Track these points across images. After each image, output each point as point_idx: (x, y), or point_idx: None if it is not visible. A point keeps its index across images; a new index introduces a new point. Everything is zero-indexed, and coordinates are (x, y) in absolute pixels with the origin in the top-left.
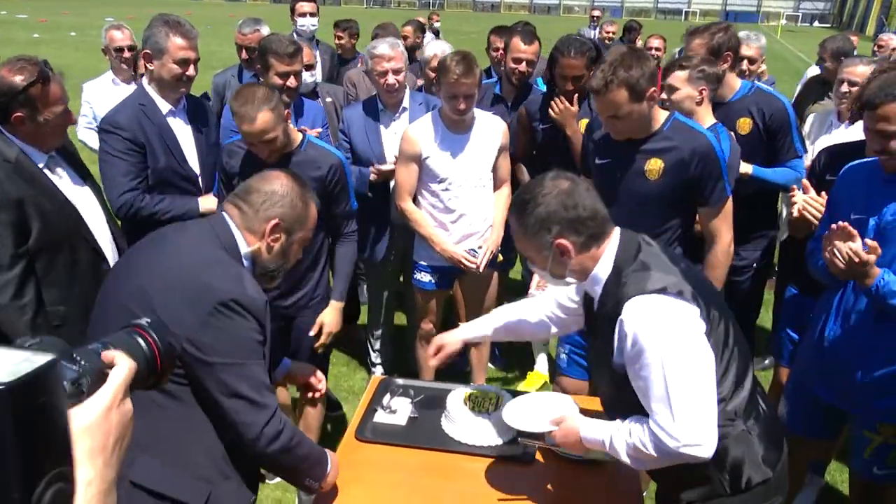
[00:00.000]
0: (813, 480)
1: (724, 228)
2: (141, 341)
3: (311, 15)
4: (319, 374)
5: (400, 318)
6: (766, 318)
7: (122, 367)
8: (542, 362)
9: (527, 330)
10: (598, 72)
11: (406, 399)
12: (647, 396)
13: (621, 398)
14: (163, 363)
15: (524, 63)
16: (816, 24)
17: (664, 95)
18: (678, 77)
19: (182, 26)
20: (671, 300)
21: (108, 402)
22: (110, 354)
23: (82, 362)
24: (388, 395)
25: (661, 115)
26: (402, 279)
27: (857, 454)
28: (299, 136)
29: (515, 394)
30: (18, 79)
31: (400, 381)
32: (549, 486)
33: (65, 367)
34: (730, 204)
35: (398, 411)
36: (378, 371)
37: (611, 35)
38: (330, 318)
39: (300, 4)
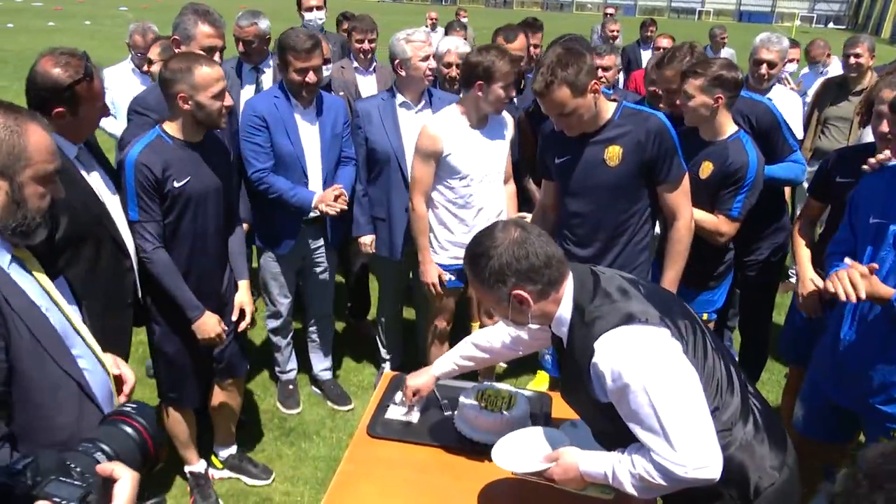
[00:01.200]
0: (825, 487)
1: (683, 204)
2: (129, 430)
3: (318, 8)
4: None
5: (409, 314)
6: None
7: (125, 481)
8: (546, 361)
9: (496, 356)
10: (538, 75)
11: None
12: (640, 430)
13: (619, 431)
14: (155, 446)
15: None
16: (831, 25)
17: (678, 101)
18: (693, 84)
19: (210, 15)
20: (640, 328)
21: None
22: (108, 468)
23: (84, 475)
24: (399, 392)
25: (609, 106)
26: (411, 275)
27: None
28: None
29: (527, 393)
30: (64, 75)
31: None
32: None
33: (66, 485)
34: (687, 179)
35: (410, 408)
36: (387, 367)
37: (615, 33)
38: (248, 297)
39: None
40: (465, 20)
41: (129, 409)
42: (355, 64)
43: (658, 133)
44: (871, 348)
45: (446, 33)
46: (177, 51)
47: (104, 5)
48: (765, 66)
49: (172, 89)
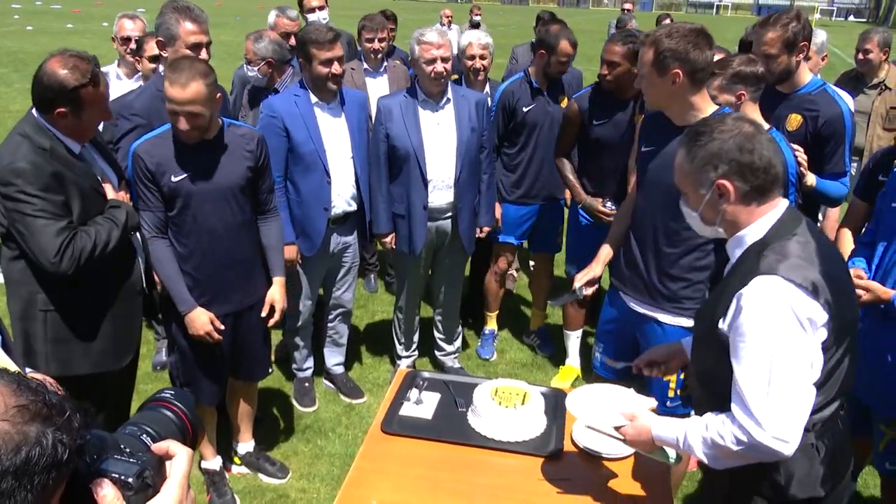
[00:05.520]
0: (849, 486)
1: None
2: (170, 414)
3: (321, 8)
4: None
5: (426, 311)
6: None
7: (181, 457)
8: (574, 356)
9: None
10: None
11: (432, 392)
12: (743, 378)
13: (718, 375)
14: (194, 430)
15: (567, 64)
16: (852, 18)
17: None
18: (714, 85)
19: (191, 11)
20: (798, 293)
21: (178, 497)
22: (163, 446)
23: (136, 453)
24: (414, 389)
25: (707, 108)
26: (429, 272)
27: (874, 449)
28: (220, 122)
29: (542, 389)
30: (70, 78)
31: (426, 374)
32: (574, 482)
33: (122, 462)
34: None
35: (424, 404)
36: (403, 364)
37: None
38: (279, 294)
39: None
40: (478, 17)
41: (167, 395)
42: (365, 65)
43: None
44: (880, 339)
45: (536, 25)
46: (163, 53)
47: (122, 7)
48: None
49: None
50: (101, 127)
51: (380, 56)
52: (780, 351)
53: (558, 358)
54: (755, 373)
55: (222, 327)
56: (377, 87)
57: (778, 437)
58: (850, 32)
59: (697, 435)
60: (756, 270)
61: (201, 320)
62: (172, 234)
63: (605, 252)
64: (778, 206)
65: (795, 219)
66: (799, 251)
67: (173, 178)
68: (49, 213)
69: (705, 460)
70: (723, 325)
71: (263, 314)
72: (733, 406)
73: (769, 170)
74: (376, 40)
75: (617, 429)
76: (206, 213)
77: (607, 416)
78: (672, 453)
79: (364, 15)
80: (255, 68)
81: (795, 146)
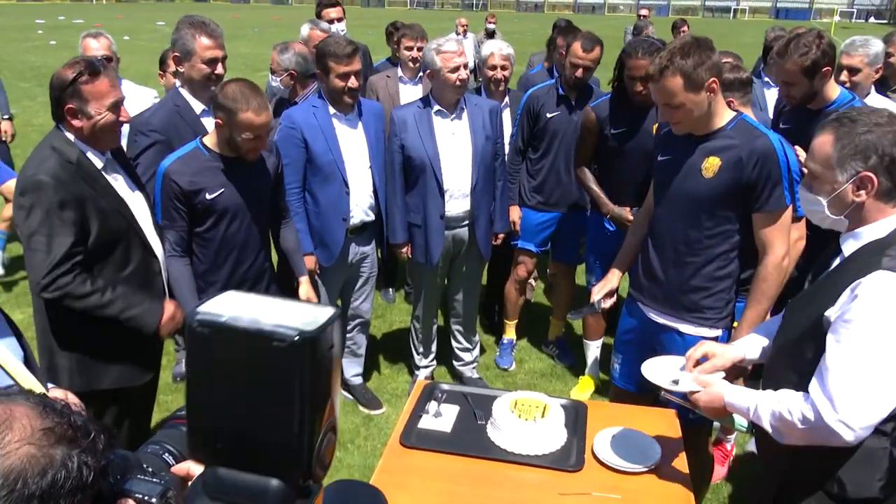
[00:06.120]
0: None
1: (777, 240)
2: None
3: (339, 20)
4: None
5: (444, 321)
6: None
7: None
8: (593, 367)
9: None
10: (657, 58)
11: (451, 405)
12: (834, 359)
13: (806, 367)
14: None
15: (582, 69)
16: (872, 20)
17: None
18: None
19: (207, 26)
20: None
21: None
22: (184, 467)
23: (159, 473)
24: (433, 401)
25: (726, 114)
26: (446, 282)
27: None
28: None
29: (561, 401)
30: (70, 72)
31: (445, 386)
32: (595, 497)
33: (145, 482)
34: (787, 215)
35: (443, 417)
36: (422, 375)
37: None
38: (312, 292)
39: (326, 11)
40: (493, 26)
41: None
42: (400, 73)
43: (762, 156)
44: None
45: (552, 32)
46: (179, 68)
47: (142, 20)
48: (844, 72)
49: (219, 110)
50: (124, 144)
51: (417, 65)
52: (885, 344)
53: (578, 368)
54: (849, 357)
55: None
56: (411, 96)
57: (844, 421)
58: (871, 35)
59: (768, 407)
60: (878, 265)
61: None
62: (199, 249)
63: (621, 264)
64: None
65: None
66: None
67: (208, 196)
68: (56, 233)
69: (770, 431)
70: (829, 312)
71: None
72: (812, 384)
73: None
74: (415, 48)
75: (691, 395)
76: (237, 226)
77: (682, 383)
78: (743, 422)
79: (404, 23)
80: (278, 79)
81: (797, 148)
